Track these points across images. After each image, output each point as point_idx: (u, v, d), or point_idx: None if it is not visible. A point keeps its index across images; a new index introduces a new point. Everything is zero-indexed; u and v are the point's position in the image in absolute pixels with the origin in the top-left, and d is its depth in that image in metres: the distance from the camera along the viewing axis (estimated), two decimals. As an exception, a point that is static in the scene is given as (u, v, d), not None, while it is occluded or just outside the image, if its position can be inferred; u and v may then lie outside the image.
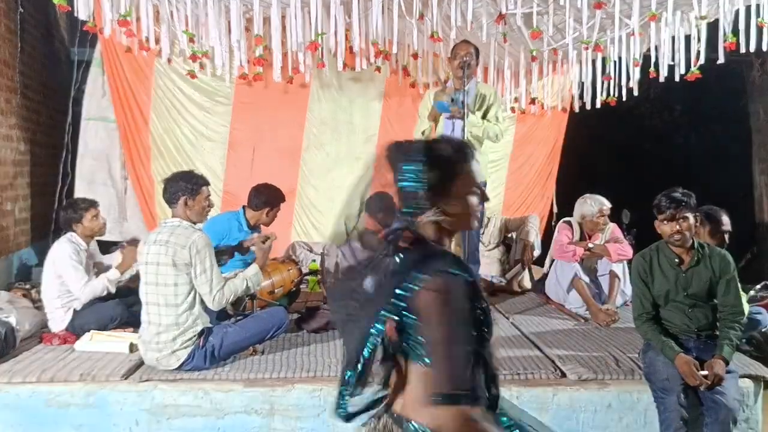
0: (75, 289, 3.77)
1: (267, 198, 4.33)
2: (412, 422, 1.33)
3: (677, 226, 2.96)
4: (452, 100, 4.13)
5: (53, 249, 3.88)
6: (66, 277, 3.78)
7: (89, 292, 3.78)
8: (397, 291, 1.32)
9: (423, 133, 4.48)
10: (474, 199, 1.47)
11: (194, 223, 3.31)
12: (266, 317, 3.52)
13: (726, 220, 3.69)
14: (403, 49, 5.57)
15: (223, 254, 3.91)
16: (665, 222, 3.00)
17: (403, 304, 1.32)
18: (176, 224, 3.25)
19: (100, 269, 4.08)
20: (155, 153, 5.75)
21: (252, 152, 5.83)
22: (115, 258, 4.14)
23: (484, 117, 4.35)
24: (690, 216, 2.99)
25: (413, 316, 1.32)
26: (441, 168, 1.43)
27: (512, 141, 6.44)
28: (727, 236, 3.67)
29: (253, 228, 4.37)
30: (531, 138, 6.55)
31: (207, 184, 3.42)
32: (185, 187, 3.28)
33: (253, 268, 3.54)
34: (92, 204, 4.01)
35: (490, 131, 4.30)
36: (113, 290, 3.90)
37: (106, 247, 4.69)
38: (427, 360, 1.30)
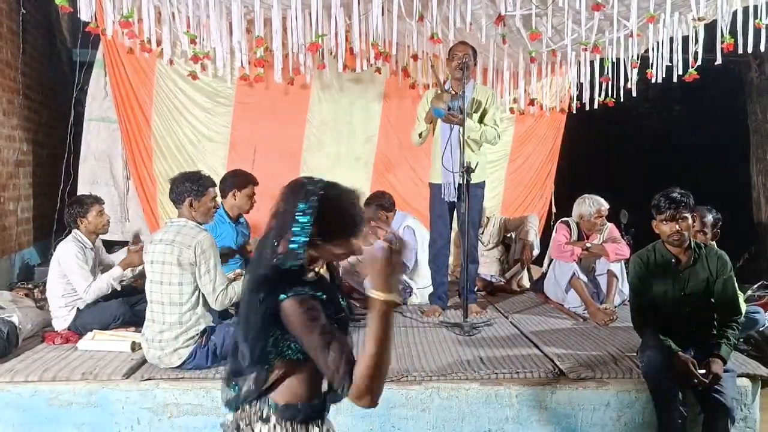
0: (80, 289, 3.78)
1: (231, 181, 4.31)
2: (275, 402, 1.59)
3: (676, 227, 2.98)
4: (449, 108, 4.18)
5: (59, 248, 3.89)
6: (71, 276, 3.79)
7: (93, 291, 3.79)
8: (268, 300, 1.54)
9: (420, 135, 4.52)
10: (344, 257, 1.73)
11: (200, 223, 3.33)
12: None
13: (708, 220, 3.71)
14: (403, 50, 5.59)
15: (225, 256, 3.93)
16: (664, 222, 3.01)
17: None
18: (182, 224, 3.27)
19: (105, 269, 4.10)
20: (157, 153, 5.76)
21: (253, 153, 5.82)
22: (119, 257, 4.17)
23: (481, 120, 4.39)
24: (689, 216, 3.01)
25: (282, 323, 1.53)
26: (323, 228, 1.66)
27: (511, 141, 6.47)
28: (708, 235, 3.69)
29: (236, 220, 4.35)
30: (530, 138, 6.57)
31: (214, 185, 3.44)
32: (191, 188, 3.30)
33: None
34: (97, 200, 4.04)
35: (488, 134, 4.36)
36: (118, 288, 3.91)
37: (108, 247, 4.72)
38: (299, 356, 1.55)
